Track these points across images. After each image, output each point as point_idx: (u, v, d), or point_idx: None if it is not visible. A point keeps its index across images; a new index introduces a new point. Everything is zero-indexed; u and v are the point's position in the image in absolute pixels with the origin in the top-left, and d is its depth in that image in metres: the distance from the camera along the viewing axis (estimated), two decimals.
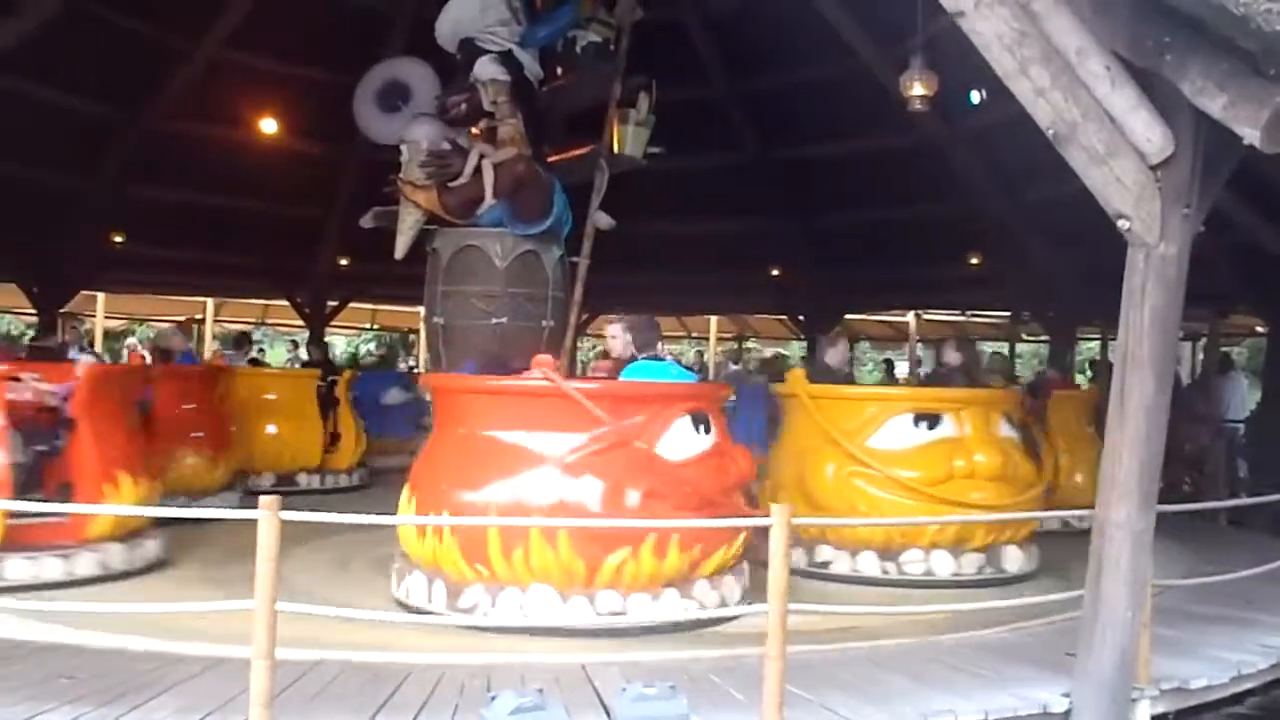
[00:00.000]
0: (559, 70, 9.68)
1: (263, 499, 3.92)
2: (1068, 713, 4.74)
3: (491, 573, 5.85)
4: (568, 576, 5.76)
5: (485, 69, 8.83)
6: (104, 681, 4.60)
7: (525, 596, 5.80)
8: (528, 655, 5.33)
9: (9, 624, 5.54)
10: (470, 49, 8.94)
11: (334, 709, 4.42)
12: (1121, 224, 4.50)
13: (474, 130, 8.87)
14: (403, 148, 8.73)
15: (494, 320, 8.16)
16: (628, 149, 9.67)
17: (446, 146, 8.56)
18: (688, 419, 6.04)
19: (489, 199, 8.48)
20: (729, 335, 25.72)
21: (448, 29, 9.20)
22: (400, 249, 8.75)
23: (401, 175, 8.68)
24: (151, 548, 7.30)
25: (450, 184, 8.54)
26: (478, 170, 8.49)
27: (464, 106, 8.70)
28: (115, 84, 13.16)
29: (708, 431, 6.14)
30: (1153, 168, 4.45)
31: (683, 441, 5.99)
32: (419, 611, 6.10)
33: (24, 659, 4.82)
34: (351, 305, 19.71)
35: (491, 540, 5.76)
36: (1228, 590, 6.58)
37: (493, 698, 4.10)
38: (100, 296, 20.15)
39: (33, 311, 17.01)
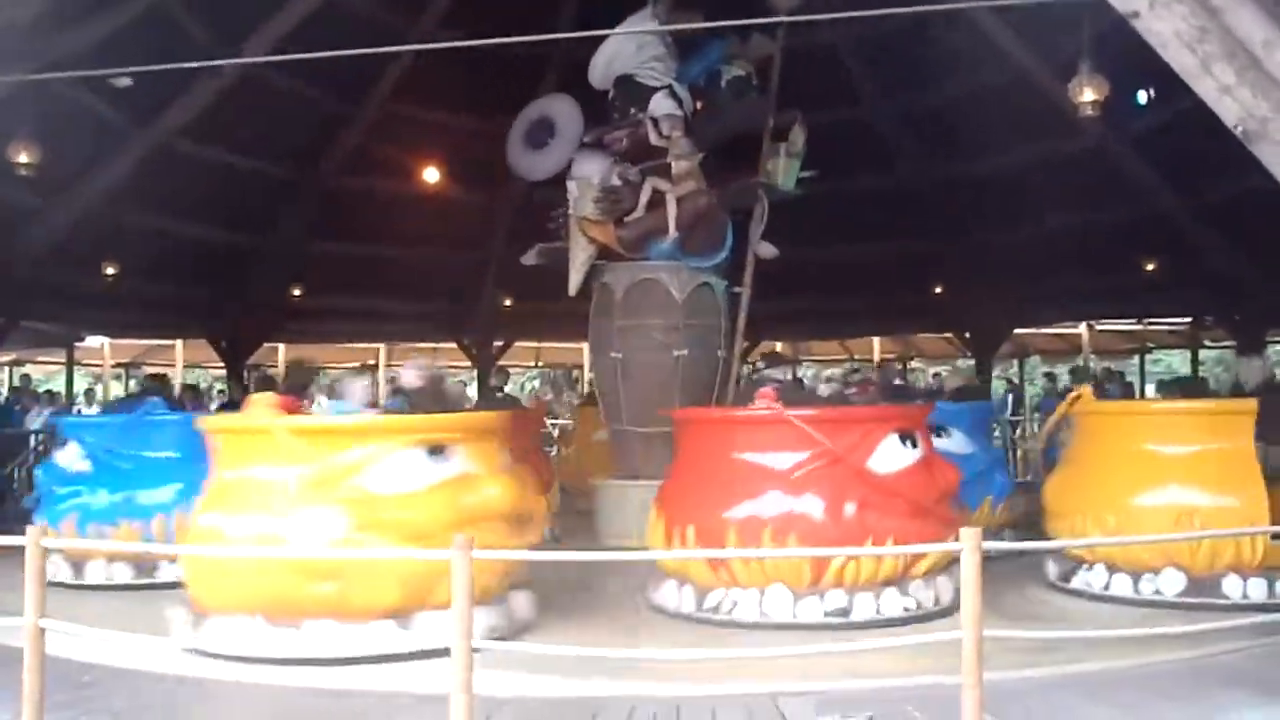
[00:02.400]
0: (698, 104, 9.75)
1: None
2: None
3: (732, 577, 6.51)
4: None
5: (660, 105, 8.93)
6: None
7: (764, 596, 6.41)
8: (718, 686, 5.29)
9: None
10: (627, 86, 9.07)
11: None
12: None
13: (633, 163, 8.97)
14: (571, 185, 8.84)
15: (675, 352, 8.22)
16: (780, 180, 9.66)
17: (617, 182, 8.65)
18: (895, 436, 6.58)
19: (672, 232, 8.55)
20: (892, 355, 25.22)
21: (602, 66, 9.36)
22: (574, 285, 8.87)
23: (573, 211, 8.79)
24: None
25: (626, 218, 8.63)
26: (653, 204, 8.56)
27: (625, 141, 8.79)
28: (288, 145, 13.83)
29: (914, 446, 6.61)
30: None
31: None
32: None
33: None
34: (516, 344, 20.14)
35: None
36: None
37: None
38: (281, 347, 21.07)
39: (220, 365, 18.00)
